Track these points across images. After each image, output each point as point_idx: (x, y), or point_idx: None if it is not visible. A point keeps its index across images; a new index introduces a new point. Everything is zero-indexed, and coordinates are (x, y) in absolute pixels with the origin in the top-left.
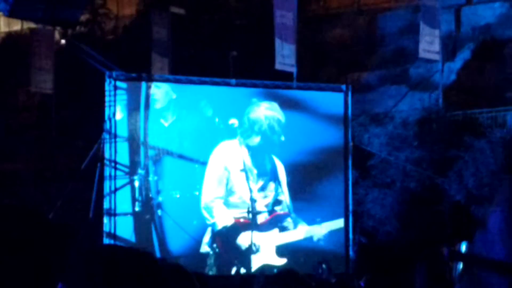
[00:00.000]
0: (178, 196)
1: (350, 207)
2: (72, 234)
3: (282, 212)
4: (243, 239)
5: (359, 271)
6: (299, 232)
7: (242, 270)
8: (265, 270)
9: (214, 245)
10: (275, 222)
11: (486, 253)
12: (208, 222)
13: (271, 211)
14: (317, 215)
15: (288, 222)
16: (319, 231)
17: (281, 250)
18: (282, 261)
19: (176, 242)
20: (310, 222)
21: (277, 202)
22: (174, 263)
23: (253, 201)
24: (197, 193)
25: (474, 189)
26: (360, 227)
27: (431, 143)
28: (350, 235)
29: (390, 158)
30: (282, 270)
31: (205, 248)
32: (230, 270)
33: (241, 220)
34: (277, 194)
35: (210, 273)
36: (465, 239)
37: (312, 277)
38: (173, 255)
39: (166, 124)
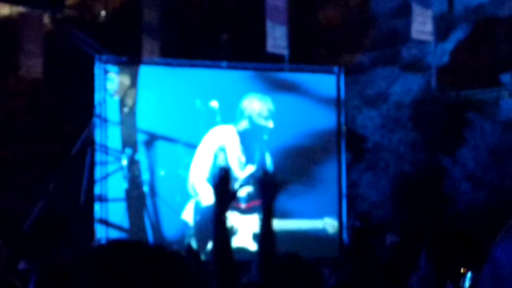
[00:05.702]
0: (162, 173)
1: (344, 190)
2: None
3: None
4: None
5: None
6: (281, 222)
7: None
8: (243, 253)
9: (195, 218)
10: (257, 209)
11: None
12: (193, 198)
13: (254, 198)
14: (308, 205)
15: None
16: (301, 225)
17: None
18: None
19: (166, 222)
20: (299, 214)
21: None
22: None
23: (237, 185)
24: (182, 172)
25: (475, 171)
26: (354, 211)
27: (425, 125)
28: (344, 219)
29: (383, 141)
30: (283, 255)
31: (186, 217)
32: (207, 244)
33: None
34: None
35: (191, 243)
36: (470, 269)
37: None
38: (165, 236)
39: (153, 108)
